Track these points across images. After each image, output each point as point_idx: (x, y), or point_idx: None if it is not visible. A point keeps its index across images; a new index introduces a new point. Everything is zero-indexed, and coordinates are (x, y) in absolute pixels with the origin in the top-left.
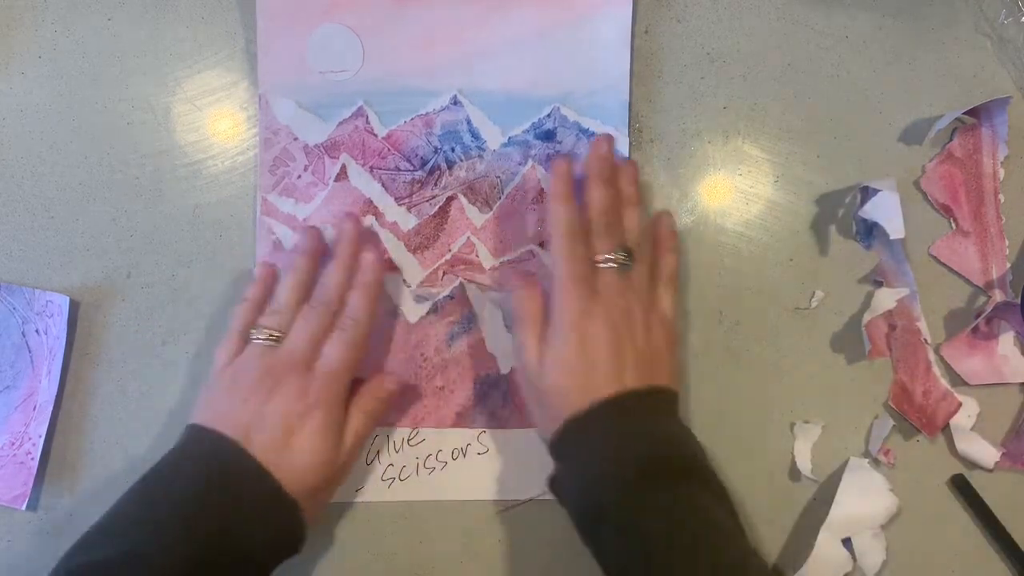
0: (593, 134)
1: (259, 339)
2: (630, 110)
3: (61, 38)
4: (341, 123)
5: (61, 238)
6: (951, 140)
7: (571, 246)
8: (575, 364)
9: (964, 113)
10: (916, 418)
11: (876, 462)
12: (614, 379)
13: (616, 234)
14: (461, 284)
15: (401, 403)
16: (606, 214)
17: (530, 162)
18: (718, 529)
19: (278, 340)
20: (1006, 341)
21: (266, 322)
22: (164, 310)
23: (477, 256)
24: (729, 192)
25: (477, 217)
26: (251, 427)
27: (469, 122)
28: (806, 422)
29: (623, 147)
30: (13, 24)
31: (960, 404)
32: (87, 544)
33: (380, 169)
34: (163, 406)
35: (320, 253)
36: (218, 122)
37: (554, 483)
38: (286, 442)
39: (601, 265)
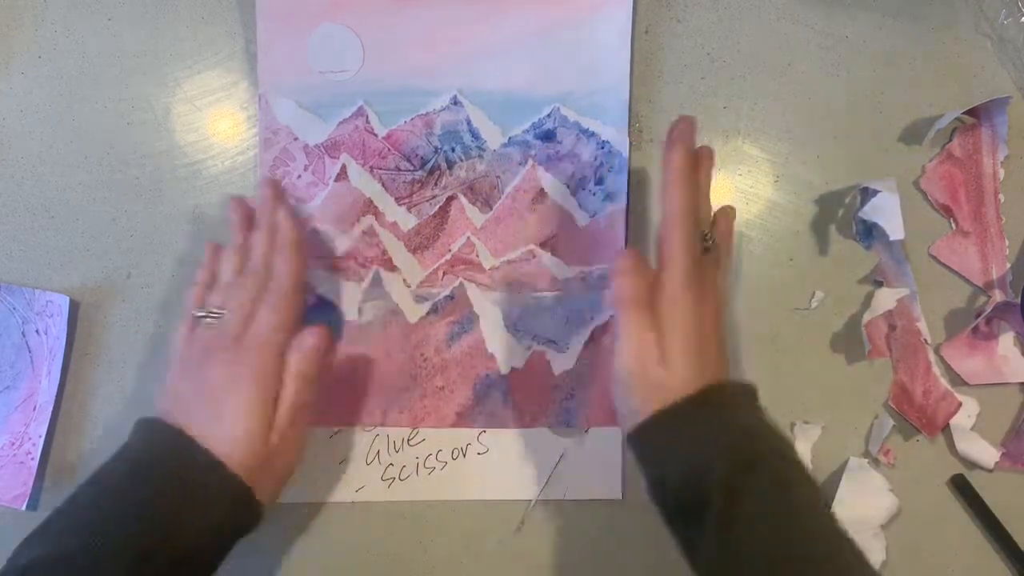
0: (593, 134)
1: (202, 317)
2: (630, 110)
3: (61, 38)
4: (341, 123)
5: (61, 238)
6: (951, 140)
7: (692, 232)
8: (695, 351)
9: (964, 113)
10: (916, 418)
11: (876, 462)
12: (723, 368)
13: (706, 220)
14: (461, 284)
15: (398, 401)
16: (705, 197)
17: (530, 162)
18: (812, 513)
19: (221, 317)
20: (1006, 341)
21: (210, 300)
22: (164, 310)
23: (477, 256)
24: (729, 192)
25: (477, 217)
26: (190, 404)
27: (469, 122)
28: (806, 422)
29: (623, 147)
30: (13, 24)
31: (960, 404)
32: (36, 539)
33: (380, 169)
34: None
35: (251, 222)
36: (218, 122)
37: (655, 485)
38: (218, 413)
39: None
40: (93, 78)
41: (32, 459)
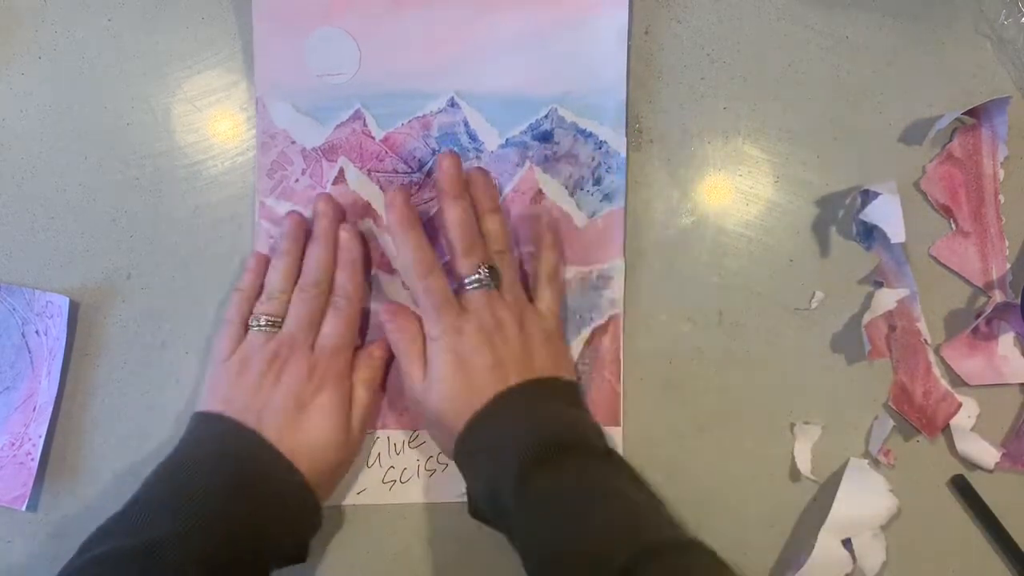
0: (591, 135)
1: (259, 326)
2: (629, 111)
3: (61, 38)
4: (339, 126)
5: (61, 238)
6: (951, 140)
7: (425, 279)
8: (456, 381)
9: (964, 113)
10: (916, 419)
11: (876, 462)
12: (495, 384)
13: (477, 251)
14: None
15: (399, 403)
16: (463, 232)
17: (528, 163)
18: (612, 493)
19: (277, 325)
20: (1006, 341)
21: (263, 309)
22: (164, 311)
23: None
24: (729, 192)
25: None
26: (263, 412)
27: (466, 124)
28: (806, 422)
29: (620, 148)
30: (13, 24)
31: (960, 405)
32: (109, 532)
33: (378, 172)
34: (163, 406)
35: (304, 235)
36: (218, 123)
37: (470, 502)
38: (298, 421)
39: (467, 288)
40: (93, 78)
41: (32, 460)
